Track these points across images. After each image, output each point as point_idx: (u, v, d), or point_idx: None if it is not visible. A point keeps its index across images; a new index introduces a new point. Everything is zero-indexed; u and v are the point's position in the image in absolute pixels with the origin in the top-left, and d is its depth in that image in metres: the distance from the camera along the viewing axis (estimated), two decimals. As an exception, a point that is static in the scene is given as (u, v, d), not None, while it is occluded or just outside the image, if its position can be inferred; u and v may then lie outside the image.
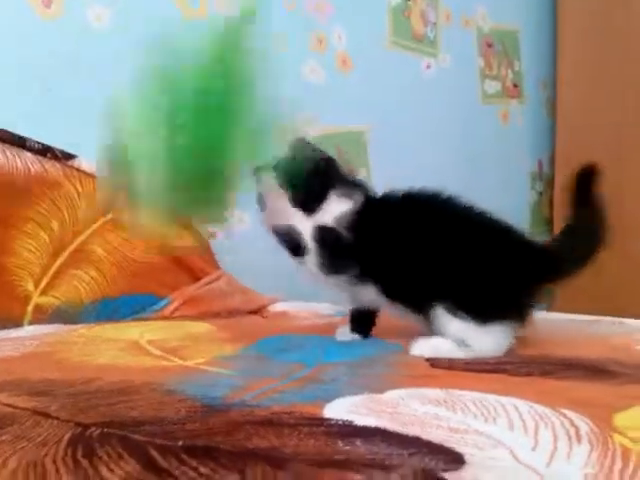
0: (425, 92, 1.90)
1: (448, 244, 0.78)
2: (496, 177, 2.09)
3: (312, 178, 0.82)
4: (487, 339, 0.74)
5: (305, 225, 0.82)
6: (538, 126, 2.25)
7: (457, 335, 0.73)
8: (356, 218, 0.81)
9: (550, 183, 2.25)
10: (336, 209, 0.82)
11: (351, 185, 0.85)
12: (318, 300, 1.21)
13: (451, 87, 1.97)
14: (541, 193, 2.26)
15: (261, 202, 0.86)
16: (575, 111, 2.16)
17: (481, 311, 0.74)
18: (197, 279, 1.17)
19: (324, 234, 0.82)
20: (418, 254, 0.77)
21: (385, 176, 1.73)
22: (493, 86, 2.11)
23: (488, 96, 2.09)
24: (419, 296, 0.78)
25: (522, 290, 0.77)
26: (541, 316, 1.09)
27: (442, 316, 0.74)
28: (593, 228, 0.87)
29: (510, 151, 2.15)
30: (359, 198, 0.83)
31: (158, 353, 0.75)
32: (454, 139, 1.98)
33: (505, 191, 2.12)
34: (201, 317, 1.06)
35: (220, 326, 0.96)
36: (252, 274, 1.31)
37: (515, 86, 2.19)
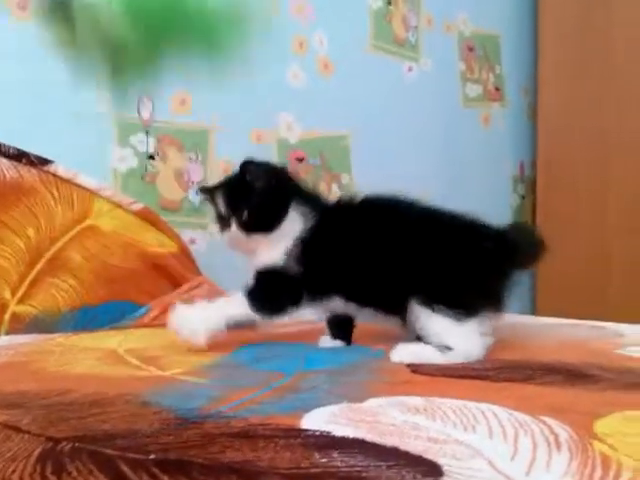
0: (407, 96, 1.91)
1: (413, 240, 0.78)
2: (478, 180, 2.09)
3: (263, 197, 0.83)
4: (465, 335, 0.73)
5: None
6: (519, 129, 2.26)
7: (436, 330, 0.73)
8: (312, 234, 0.82)
9: (532, 186, 2.25)
10: (294, 227, 0.82)
11: (310, 198, 0.86)
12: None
13: (433, 91, 1.98)
14: (523, 196, 2.27)
15: (219, 222, 0.86)
16: (556, 114, 2.17)
17: (455, 300, 0.74)
18: (177, 286, 1.16)
19: (265, 277, 0.83)
20: (384, 254, 0.78)
21: (368, 180, 1.73)
22: (474, 89, 2.12)
23: (470, 99, 2.10)
24: (390, 297, 0.78)
25: (490, 276, 0.78)
26: (521, 320, 1.09)
27: (419, 312, 0.74)
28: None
29: (492, 154, 2.16)
30: (315, 212, 0.84)
31: (136, 363, 0.74)
32: (436, 142, 1.99)
33: (487, 194, 2.12)
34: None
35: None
36: (232, 283, 1.30)
37: (497, 89, 2.20)
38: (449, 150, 2.02)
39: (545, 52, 2.20)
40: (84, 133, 1.23)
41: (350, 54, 1.78)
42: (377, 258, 0.78)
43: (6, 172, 1.02)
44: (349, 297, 0.81)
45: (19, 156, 1.04)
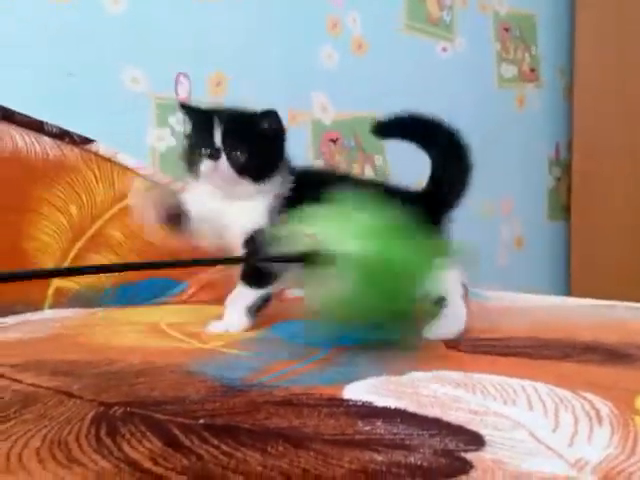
0: (441, 76, 1.89)
1: None
2: (513, 162, 2.07)
3: (271, 145, 0.82)
4: None
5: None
6: (555, 111, 2.23)
7: None
8: (290, 194, 0.81)
9: (567, 169, 2.22)
10: (278, 185, 0.81)
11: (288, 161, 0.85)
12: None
13: (467, 71, 1.96)
14: (559, 179, 2.24)
15: (202, 148, 0.80)
16: (592, 96, 2.13)
17: None
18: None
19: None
20: None
21: (401, 162, 1.73)
22: (510, 70, 2.09)
23: (504, 80, 2.07)
24: None
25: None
26: (557, 301, 1.09)
27: None
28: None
29: (527, 136, 2.13)
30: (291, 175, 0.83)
31: (178, 336, 0.75)
32: (470, 123, 1.96)
33: (522, 177, 2.10)
34: (218, 301, 1.06)
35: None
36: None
37: (532, 70, 2.16)
38: (483, 131, 2.00)
39: (582, 32, 2.16)
40: (123, 112, 1.25)
41: (384, 34, 1.77)
42: None
43: (49, 151, 1.04)
44: None
45: (62, 135, 1.06)
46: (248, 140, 0.80)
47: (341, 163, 1.65)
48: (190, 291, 1.10)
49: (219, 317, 0.82)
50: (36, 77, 1.18)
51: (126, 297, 1.03)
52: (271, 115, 0.82)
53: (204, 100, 1.38)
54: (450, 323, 0.75)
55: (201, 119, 0.82)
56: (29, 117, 1.04)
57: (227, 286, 1.14)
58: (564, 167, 2.24)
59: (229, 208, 0.81)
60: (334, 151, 1.63)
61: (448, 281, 0.77)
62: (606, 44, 2.11)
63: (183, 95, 1.36)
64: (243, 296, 0.82)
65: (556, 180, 2.23)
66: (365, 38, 1.72)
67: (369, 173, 1.71)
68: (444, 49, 1.91)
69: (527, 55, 2.15)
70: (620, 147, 2.06)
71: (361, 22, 1.71)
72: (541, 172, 2.19)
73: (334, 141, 1.64)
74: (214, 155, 0.79)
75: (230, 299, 0.83)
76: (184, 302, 1.07)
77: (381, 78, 1.73)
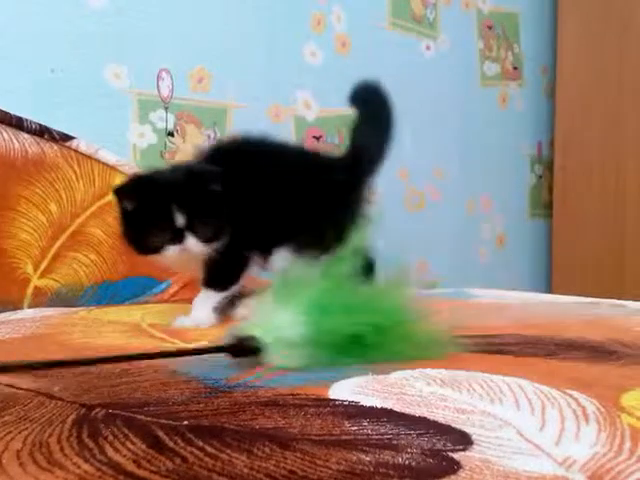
0: (424, 74, 1.89)
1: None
2: (495, 160, 2.08)
3: (223, 201, 0.81)
4: None
5: None
6: (538, 109, 2.25)
7: None
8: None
9: (549, 166, 2.24)
10: None
11: None
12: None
13: (450, 69, 1.96)
14: (540, 176, 2.26)
15: (161, 234, 0.80)
16: (575, 94, 2.15)
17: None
18: (197, 262, 1.16)
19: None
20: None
21: (384, 160, 1.73)
22: (492, 68, 2.10)
23: (487, 78, 2.08)
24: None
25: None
26: (540, 298, 1.09)
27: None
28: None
29: (509, 134, 2.14)
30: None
31: (160, 335, 0.74)
32: (453, 122, 1.98)
33: (504, 174, 2.12)
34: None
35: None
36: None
37: (515, 68, 2.18)
38: (466, 129, 2.01)
39: (565, 30, 2.17)
40: (105, 109, 1.24)
41: (368, 32, 1.77)
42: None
43: (28, 148, 1.03)
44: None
45: (41, 132, 1.05)
46: (208, 208, 0.80)
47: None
48: (172, 290, 1.09)
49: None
50: (18, 73, 1.16)
51: (107, 296, 1.02)
52: (216, 173, 0.81)
53: (186, 97, 1.37)
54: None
55: (150, 198, 0.79)
56: (8, 113, 1.02)
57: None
58: (546, 165, 2.26)
59: None
60: (318, 148, 1.63)
61: None
62: (589, 43, 2.12)
63: (165, 91, 1.35)
64: (208, 297, 0.85)
65: (538, 178, 2.25)
66: (349, 36, 1.71)
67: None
68: (427, 47, 1.91)
69: (510, 53, 2.16)
70: (602, 146, 2.08)
71: (345, 19, 1.70)
72: (523, 170, 2.21)
73: (317, 138, 1.64)
74: (178, 238, 0.78)
75: (197, 300, 0.85)
76: (165, 301, 1.06)
77: (365, 76, 1.72)
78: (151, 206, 0.78)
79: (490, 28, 2.10)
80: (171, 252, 0.78)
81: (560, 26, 2.18)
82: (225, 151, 0.88)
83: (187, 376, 0.54)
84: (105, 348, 0.69)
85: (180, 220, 0.77)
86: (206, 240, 0.79)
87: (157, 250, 0.78)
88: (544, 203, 2.24)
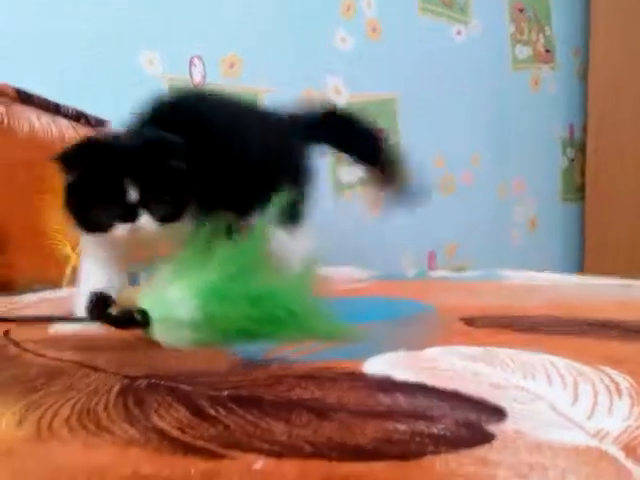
0: (455, 59, 1.88)
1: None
2: (527, 143, 2.06)
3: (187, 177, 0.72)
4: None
5: None
6: (570, 92, 2.22)
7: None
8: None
9: (582, 149, 2.21)
10: None
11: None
12: (348, 265, 1.22)
13: (482, 54, 1.95)
14: (573, 159, 2.23)
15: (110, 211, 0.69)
16: (608, 77, 2.12)
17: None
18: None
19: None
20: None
21: (415, 144, 1.73)
22: (524, 51, 2.08)
23: (519, 62, 2.06)
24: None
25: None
26: (572, 280, 1.09)
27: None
28: None
29: (541, 117, 2.12)
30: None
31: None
32: (485, 106, 1.96)
33: (536, 158, 2.10)
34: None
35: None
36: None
37: (547, 51, 2.15)
38: (498, 113, 1.99)
39: (597, 12, 2.14)
40: (138, 95, 1.25)
41: (398, 17, 1.76)
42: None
43: (65, 132, 1.05)
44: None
45: (77, 117, 1.07)
46: (167, 183, 0.70)
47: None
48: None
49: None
50: (55, 59, 1.18)
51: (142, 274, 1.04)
52: (178, 145, 0.71)
53: (217, 82, 1.38)
54: None
55: (99, 168, 0.68)
56: (46, 99, 1.05)
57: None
58: (578, 148, 2.23)
59: None
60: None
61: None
62: (622, 23, 2.08)
63: (197, 77, 1.37)
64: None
65: (570, 161, 2.23)
66: (379, 21, 1.71)
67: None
68: (459, 32, 1.89)
69: (541, 36, 2.14)
70: (635, 128, 2.05)
71: (376, 5, 1.70)
72: (555, 153, 2.19)
73: (348, 123, 1.64)
74: (129, 216, 0.68)
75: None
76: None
77: (395, 61, 1.72)
78: (100, 177, 0.68)
79: (521, 11, 2.07)
80: (120, 231, 0.68)
81: (592, 7, 2.14)
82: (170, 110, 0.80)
83: (223, 350, 0.55)
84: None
85: (133, 195, 0.67)
86: (162, 219, 0.69)
87: (104, 228, 0.68)
88: (576, 186, 2.22)
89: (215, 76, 1.38)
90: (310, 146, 0.91)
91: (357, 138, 0.94)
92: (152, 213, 0.68)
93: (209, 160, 0.75)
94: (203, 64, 1.38)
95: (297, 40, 1.53)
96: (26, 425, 0.38)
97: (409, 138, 1.73)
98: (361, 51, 1.66)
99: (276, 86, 1.47)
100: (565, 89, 2.20)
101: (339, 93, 1.62)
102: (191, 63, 1.36)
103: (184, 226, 0.71)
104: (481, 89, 1.94)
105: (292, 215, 0.82)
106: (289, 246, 0.81)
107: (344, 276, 1.14)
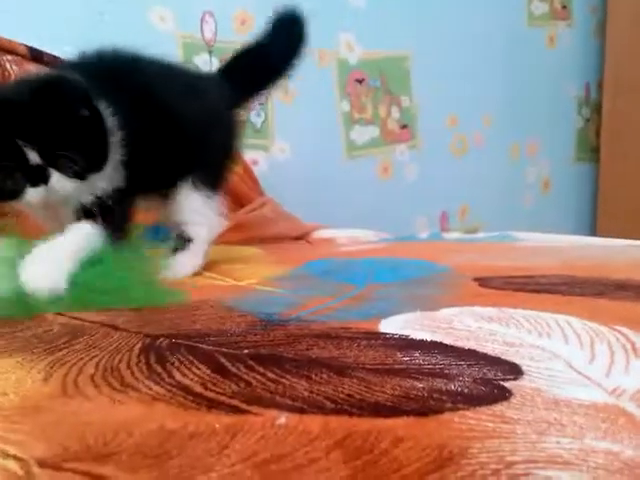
0: (470, 14, 1.84)
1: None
2: (541, 102, 2.04)
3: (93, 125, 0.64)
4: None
5: None
6: (586, 49, 2.18)
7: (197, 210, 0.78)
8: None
9: (597, 109, 2.18)
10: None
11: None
12: (361, 227, 1.22)
13: (497, 9, 1.91)
14: (588, 119, 2.20)
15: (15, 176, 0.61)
16: (624, 35, 2.07)
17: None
18: (242, 205, 1.18)
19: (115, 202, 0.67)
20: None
21: (429, 102, 1.71)
22: (540, 7, 2.03)
23: (535, 18, 2.02)
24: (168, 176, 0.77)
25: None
26: (586, 241, 1.08)
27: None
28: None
29: (556, 75, 2.09)
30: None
31: (210, 274, 0.77)
32: (499, 63, 1.93)
33: (550, 117, 2.07)
34: (247, 243, 1.08)
35: (267, 250, 0.98)
36: (292, 203, 1.32)
37: (563, 7, 2.10)
38: (512, 70, 1.96)
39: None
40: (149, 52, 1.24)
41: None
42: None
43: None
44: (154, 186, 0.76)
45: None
46: (71, 135, 0.61)
47: (367, 104, 1.64)
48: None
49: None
50: (65, 17, 1.17)
51: (157, 238, 1.05)
52: (76, 88, 0.61)
53: (229, 39, 1.37)
54: (180, 266, 0.77)
55: None
56: (57, 57, 1.04)
57: (256, 227, 1.16)
58: (594, 107, 2.20)
59: None
60: (360, 92, 1.61)
61: (197, 213, 0.79)
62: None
63: (209, 34, 1.35)
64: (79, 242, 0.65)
65: (585, 121, 2.20)
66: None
67: (395, 114, 1.69)
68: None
69: (558, -9, 2.09)
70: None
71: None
72: (570, 112, 2.16)
73: (360, 81, 1.62)
74: (38, 178, 0.60)
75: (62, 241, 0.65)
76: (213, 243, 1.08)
77: (408, 17, 1.69)
78: None
79: (538, -35, 2.02)
80: (33, 196, 0.61)
81: (611, -38, 2.09)
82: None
83: (241, 310, 0.56)
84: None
85: (32, 157, 0.59)
86: (77, 175, 0.62)
87: (14, 195, 0.61)
88: (591, 147, 2.20)
89: (227, 33, 1.37)
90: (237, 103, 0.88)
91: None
92: (63, 171, 0.61)
93: (142, 122, 0.70)
94: (215, 21, 1.36)
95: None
96: (51, 382, 0.39)
97: (422, 97, 1.72)
98: (373, 7, 1.63)
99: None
100: (581, 47, 2.16)
101: (352, 50, 1.60)
102: (203, 20, 1.34)
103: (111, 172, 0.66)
104: (496, 46, 1.91)
105: (214, 179, 0.81)
106: (202, 211, 0.79)
107: (355, 238, 1.15)
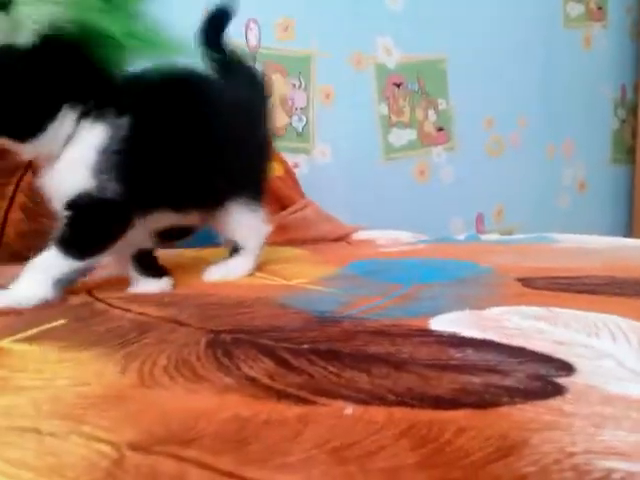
0: (507, 15, 1.85)
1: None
2: (577, 104, 2.03)
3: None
4: None
5: None
6: (622, 50, 2.16)
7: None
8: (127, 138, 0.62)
9: (633, 110, 2.17)
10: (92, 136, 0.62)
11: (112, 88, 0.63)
12: (398, 229, 1.24)
13: (533, 10, 1.91)
14: (624, 121, 2.19)
15: None
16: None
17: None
18: (284, 207, 1.20)
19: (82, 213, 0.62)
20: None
21: (465, 104, 1.72)
22: (576, 9, 2.03)
23: (571, 20, 2.01)
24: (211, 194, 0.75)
25: None
26: (626, 243, 1.08)
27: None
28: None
29: (593, 77, 2.08)
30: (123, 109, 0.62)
31: (260, 274, 0.79)
32: (536, 65, 1.93)
33: (586, 119, 2.06)
34: (289, 244, 1.10)
35: (310, 251, 1.00)
36: (332, 205, 1.34)
37: (599, 8, 2.09)
38: (548, 72, 1.96)
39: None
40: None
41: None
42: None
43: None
44: (179, 204, 0.71)
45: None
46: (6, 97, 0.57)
47: (404, 107, 1.66)
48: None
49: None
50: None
51: (201, 238, 1.07)
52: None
53: (272, 46, 1.39)
54: (233, 267, 0.78)
55: None
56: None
57: (297, 229, 1.18)
58: (630, 109, 2.18)
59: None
60: (398, 95, 1.63)
61: (247, 227, 0.80)
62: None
63: (253, 41, 1.38)
64: (51, 264, 0.62)
65: (621, 122, 2.18)
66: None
67: (432, 117, 1.70)
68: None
69: (595, -8, 2.08)
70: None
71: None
72: (606, 114, 2.14)
73: (398, 85, 1.64)
74: None
75: (33, 263, 0.62)
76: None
77: (446, 21, 1.70)
78: None
79: (574, -34, 2.02)
80: None
81: (648, -38, 2.08)
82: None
83: (296, 308, 0.58)
84: (214, 284, 0.74)
85: None
86: (21, 138, 0.60)
87: None
88: (627, 148, 2.18)
89: (269, 40, 1.39)
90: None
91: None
92: (8, 134, 0.59)
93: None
94: (258, 28, 1.38)
95: (348, 1, 1.53)
96: (129, 373, 0.41)
97: (459, 99, 1.73)
98: (411, 11, 1.64)
99: (328, 48, 1.47)
100: (617, 48, 2.14)
101: (390, 54, 1.62)
102: (247, 27, 1.37)
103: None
104: (531, 47, 1.91)
105: (259, 194, 0.81)
106: (251, 225, 0.80)
107: (394, 239, 1.16)
